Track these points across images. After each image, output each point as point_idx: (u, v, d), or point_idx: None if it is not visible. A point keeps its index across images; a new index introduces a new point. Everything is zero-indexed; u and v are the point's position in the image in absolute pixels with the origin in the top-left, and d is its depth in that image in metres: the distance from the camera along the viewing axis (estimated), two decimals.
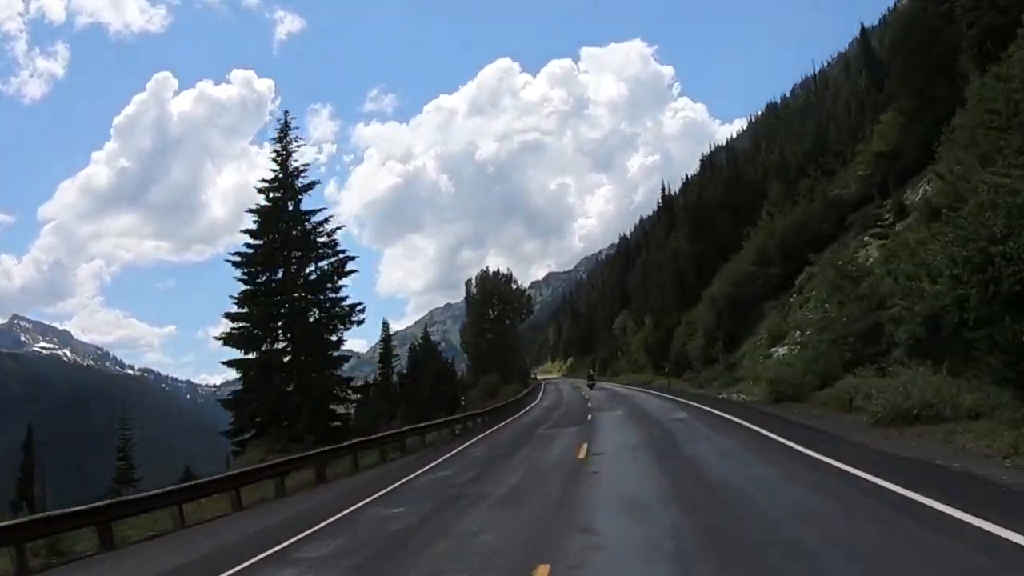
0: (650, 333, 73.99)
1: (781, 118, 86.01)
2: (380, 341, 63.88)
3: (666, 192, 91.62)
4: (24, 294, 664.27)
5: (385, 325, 67.78)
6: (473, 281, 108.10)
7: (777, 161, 62.69)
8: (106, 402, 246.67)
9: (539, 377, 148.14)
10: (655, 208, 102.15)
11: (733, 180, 63.16)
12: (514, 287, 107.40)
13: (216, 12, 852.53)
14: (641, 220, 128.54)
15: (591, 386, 62.13)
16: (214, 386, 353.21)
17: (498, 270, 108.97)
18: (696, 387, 42.79)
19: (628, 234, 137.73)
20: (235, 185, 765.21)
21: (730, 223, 56.06)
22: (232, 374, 40.48)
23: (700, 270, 59.35)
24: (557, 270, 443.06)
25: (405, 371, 64.66)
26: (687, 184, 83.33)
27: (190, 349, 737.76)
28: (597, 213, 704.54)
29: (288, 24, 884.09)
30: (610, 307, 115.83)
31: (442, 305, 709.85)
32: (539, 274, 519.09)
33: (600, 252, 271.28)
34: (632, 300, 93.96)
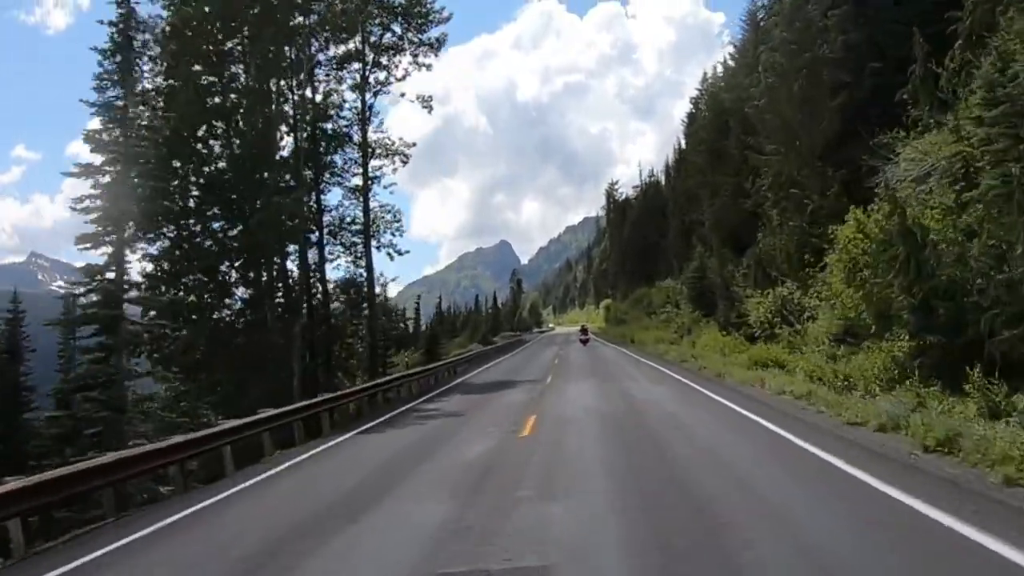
0: None
1: None
2: None
3: None
4: (55, 232, 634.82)
5: None
6: None
7: None
8: None
9: (553, 329, 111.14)
10: None
11: None
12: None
13: None
14: None
15: (584, 342, 51.18)
16: None
17: None
18: None
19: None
20: None
21: None
22: None
23: None
24: (594, 216, 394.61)
25: None
26: None
27: None
28: (639, 161, 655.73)
29: None
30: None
31: (473, 250, 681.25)
32: (575, 220, 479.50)
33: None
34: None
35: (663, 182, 78.82)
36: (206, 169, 27.36)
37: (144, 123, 23.83)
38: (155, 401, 24.36)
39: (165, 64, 26.98)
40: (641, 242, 71.79)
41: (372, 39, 33.54)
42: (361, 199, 33.30)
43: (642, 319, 55.52)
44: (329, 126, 32.50)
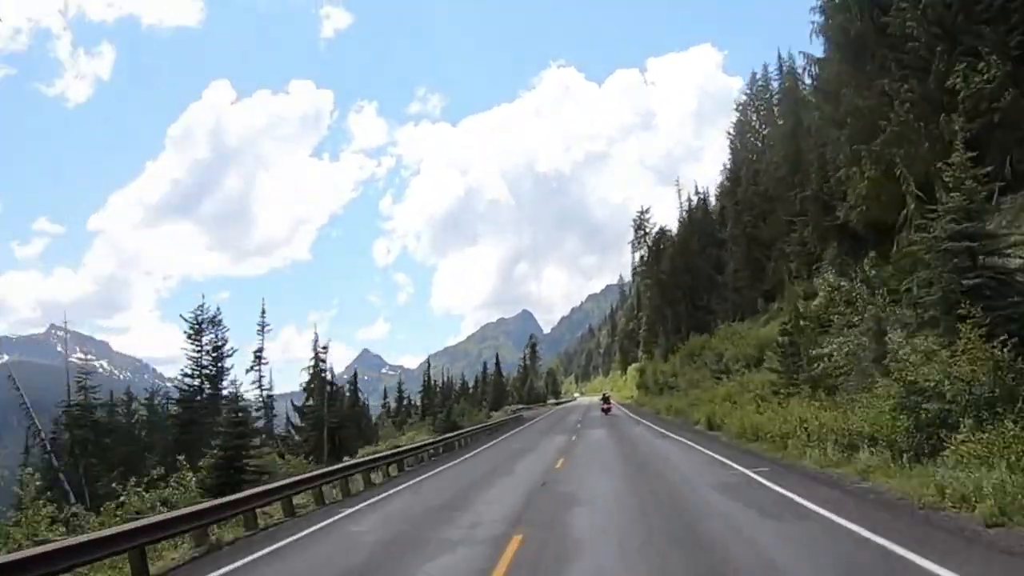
0: None
1: None
2: None
3: None
4: (77, 305, 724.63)
5: None
6: None
7: None
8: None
9: (576, 399, 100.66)
10: None
11: None
12: None
13: None
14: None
15: (606, 411, 48.59)
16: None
17: None
18: None
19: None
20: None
21: None
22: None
23: None
24: (616, 283, 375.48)
25: None
26: None
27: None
28: (676, 179, 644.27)
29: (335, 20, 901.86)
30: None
31: (495, 320, 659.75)
32: (597, 287, 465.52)
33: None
34: None
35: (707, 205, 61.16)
36: None
37: None
38: None
39: None
40: (687, 280, 52.75)
41: None
42: None
43: (706, 383, 34.73)
44: None
